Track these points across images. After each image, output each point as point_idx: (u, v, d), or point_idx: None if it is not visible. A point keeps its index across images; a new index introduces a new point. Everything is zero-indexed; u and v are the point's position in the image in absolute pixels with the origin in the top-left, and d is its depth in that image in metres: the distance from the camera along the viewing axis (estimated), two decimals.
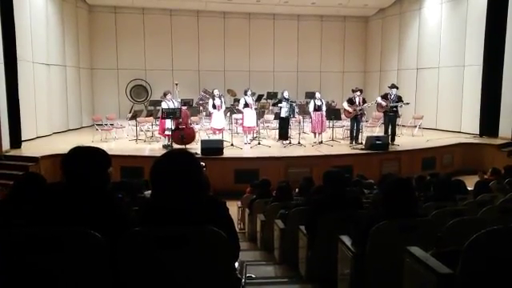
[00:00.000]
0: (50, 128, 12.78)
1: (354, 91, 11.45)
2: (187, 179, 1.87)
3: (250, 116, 11.34)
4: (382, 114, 11.75)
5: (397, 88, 11.31)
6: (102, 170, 2.07)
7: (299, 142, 11.08)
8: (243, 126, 11.66)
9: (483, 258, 1.80)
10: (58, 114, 13.46)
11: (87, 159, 2.04)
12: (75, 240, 1.81)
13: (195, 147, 10.11)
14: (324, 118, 11.44)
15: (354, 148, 10.81)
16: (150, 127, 12.55)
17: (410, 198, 2.79)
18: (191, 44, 16.59)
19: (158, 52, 16.35)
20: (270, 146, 10.95)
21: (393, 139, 11.14)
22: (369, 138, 10.63)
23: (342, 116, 11.78)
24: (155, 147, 10.86)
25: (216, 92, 11.39)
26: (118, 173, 8.27)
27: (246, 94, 11.45)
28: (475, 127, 12.49)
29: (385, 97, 11.28)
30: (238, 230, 6.90)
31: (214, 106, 11.19)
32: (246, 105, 11.28)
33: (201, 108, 13.39)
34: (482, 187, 5.56)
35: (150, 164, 1.93)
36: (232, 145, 10.57)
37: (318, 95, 11.61)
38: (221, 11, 16.62)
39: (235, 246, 2.03)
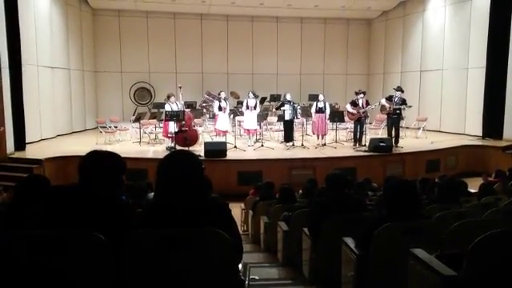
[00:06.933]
0: (54, 130, 12.83)
1: (357, 93, 11.45)
2: (189, 179, 1.89)
3: (249, 118, 11.39)
4: (385, 116, 11.72)
5: (402, 91, 11.28)
6: (119, 176, 2.10)
7: (302, 144, 11.07)
8: (244, 129, 11.72)
9: (487, 260, 1.79)
10: (62, 116, 13.51)
11: (108, 165, 2.06)
12: (79, 242, 1.82)
13: (198, 149, 10.12)
14: (326, 121, 11.43)
15: (357, 150, 10.78)
16: (154, 129, 12.58)
17: (413, 200, 2.78)
18: (195, 47, 16.63)
19: (161, 55, 16.41)
20: (274, 148, 10.94)
21: (396, 141, 11.11)
22: (372, 140, 10.61)
23: (346, 118, 11.77)
24: (159, 149, 10.88)
25: (222, 94, 11.44)
26: None
27: (248, 96, 11.51)
28: (479, 129, 12.43)
29: (389, 99, 11.26)
30: (241, 231, 6.90)
31: (220, 108, 11.23)
32: (247, 107, 11.35)
33: (204, 110, 13.42)
34: (486, 189, 5.53)
35: (154, 166, 1.95)
36: (235, 147, 10.59)
37: (321, 97, 11.61)
38: (224, 14, 16.66)
39: (238, 248, 2.02)
